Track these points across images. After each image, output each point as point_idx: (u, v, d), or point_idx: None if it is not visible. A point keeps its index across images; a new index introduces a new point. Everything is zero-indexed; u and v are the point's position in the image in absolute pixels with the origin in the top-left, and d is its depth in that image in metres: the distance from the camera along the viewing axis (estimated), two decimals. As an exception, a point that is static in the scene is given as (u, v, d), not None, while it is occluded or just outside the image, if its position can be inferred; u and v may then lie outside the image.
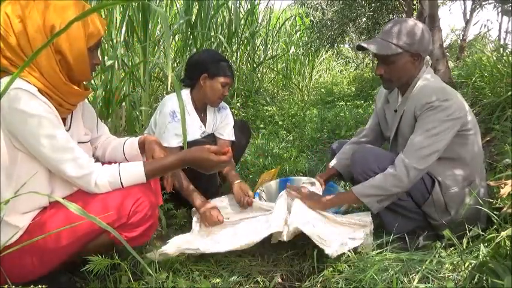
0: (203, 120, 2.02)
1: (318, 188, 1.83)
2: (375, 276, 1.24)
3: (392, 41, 1.55)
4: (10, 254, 0.96)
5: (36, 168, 1.09)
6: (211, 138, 2.07)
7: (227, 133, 2.11)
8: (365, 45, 1.57)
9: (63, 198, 1.07)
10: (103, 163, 1.23)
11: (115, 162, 1.31)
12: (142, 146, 1.43)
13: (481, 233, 1.33)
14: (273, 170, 2.29)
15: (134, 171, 1.19)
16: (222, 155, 1.24)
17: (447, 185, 1.54)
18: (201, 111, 2.02)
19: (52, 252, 1.12)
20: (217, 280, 1.38)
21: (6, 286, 0.96)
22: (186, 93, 1.97)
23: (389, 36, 1.56)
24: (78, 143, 1.24)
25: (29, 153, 1.08)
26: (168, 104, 1.88)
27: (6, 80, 1.03)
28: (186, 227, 1.81)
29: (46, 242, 1.09)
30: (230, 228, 1.64)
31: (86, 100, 1.39)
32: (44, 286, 0.91)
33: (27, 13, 1.04)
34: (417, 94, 1.57)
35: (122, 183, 1.17)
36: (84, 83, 1.27)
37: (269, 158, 2.85)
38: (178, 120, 1.86)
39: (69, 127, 1.23)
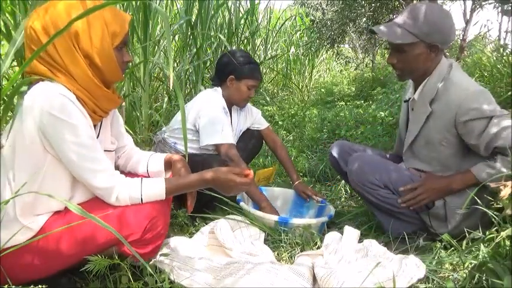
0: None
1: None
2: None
3: (407, 28, 1.37)
4: (10, 254, 0.96)
5: (62, 172, 1.10)
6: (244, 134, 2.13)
7: (261, 122, 2.18)
8: (376, 30, 1.44)
9: (80, 204, 1.10)
10: (123, 172, 1.23)
11: (135, 174, 1.34)
12: (167, 164, 1.41)
13: (480, 235, 1.33)
14: (270, 168, 2.28)
15: (155, 188, 1.18)
16: (245, 177, 1.24)
17: (452, 200, 1.46)
18: (229, 111, 2.03)
19: (56, 258, 1.12)
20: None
21: (6, 286, 0.96)
22: (219, 92, 1.97)
23: (405, 21, 1.38)
24: (104, 151, 1.24)
25: (57, 157, 1.08)
26: (214, 99, 1.90)
27: (40, 85, 1.05)
28: (186, 227, 1.81)
29: (49, 247, 1.09)
30: (240, 271, 1.32)
31: (116, 109, 1.39)
32: (44, 286, 0.91)
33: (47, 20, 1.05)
34: (454, 95, 1.38)
35: (142, 198, 1.16)
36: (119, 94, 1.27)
37: (269, 157, 2.84)
38: (228, 116, 1.93)
39: (98, 134, 1.24)
